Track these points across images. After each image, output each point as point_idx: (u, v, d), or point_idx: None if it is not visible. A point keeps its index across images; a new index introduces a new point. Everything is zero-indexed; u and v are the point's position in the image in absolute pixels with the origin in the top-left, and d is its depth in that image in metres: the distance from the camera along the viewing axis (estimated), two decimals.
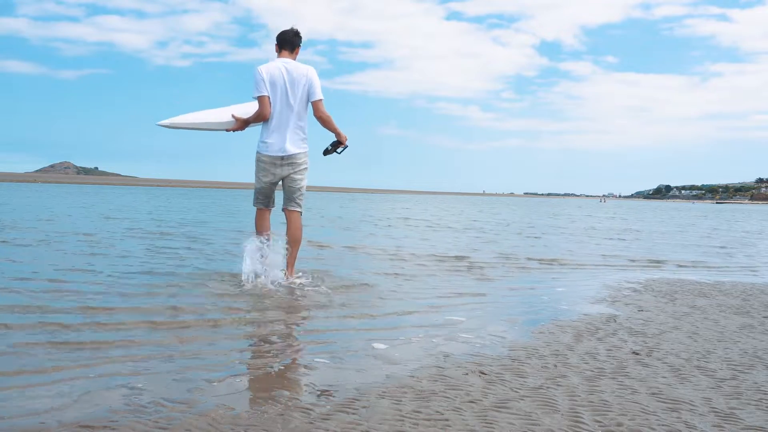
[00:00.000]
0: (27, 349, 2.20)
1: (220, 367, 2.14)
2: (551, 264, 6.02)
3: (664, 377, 2.16)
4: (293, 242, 3.67)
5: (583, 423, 1.67)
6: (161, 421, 1.57)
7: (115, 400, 1.73)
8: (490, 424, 1.63)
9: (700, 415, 1.77)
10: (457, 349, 2.51)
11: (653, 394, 1.96)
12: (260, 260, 3.60)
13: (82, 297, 3.21)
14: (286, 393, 1.86)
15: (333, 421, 1.60)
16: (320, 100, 3.57)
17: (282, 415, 1.65)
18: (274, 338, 2.64)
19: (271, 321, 2.93)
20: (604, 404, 1.83)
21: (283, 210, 3.75)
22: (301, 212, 3.77)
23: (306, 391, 1.91)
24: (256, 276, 3.60)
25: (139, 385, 1.86)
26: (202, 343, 2.47)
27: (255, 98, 3.51)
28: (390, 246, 7.05)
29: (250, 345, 2.58)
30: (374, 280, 4.29)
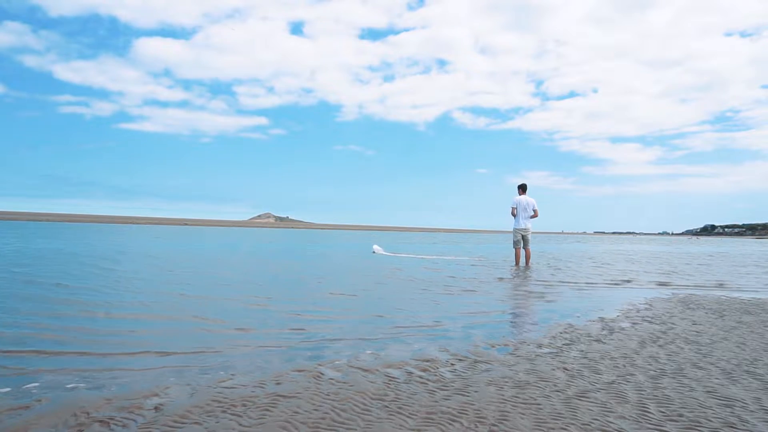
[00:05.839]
0: None
1: None
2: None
3: (718, 379, 2.45)
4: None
5: (650, 413, 1.96)
6: None
7: None
8: (573, 409, 1.99)
9: (751, 411, 1.99)
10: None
11: (708, 392, 2.23)
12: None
13: None
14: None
15: (452, 401, 2.06)
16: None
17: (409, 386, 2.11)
18: None
19: None
20: (667, 398, 2.12)
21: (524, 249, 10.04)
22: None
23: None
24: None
25: None
26: None
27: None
28: None
29: None
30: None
